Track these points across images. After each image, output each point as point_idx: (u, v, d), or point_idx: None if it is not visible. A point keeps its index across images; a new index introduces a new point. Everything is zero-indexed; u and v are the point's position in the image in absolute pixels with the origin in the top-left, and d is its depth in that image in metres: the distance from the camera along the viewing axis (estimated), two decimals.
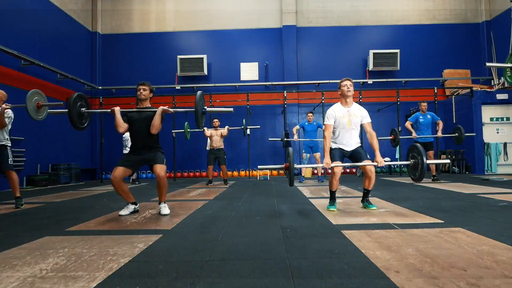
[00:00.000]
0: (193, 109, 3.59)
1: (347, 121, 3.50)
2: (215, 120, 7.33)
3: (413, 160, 3.69)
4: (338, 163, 3.45)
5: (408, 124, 6.72)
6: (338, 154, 3.53)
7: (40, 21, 8.44)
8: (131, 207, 3.52)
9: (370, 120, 3.54)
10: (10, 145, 4.45)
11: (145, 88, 3.57)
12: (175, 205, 4.15)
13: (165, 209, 3.49)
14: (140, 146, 3.51)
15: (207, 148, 7.49)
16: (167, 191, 3.62)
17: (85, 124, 3.67)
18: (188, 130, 7.73)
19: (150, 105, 3.67)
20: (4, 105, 4.05)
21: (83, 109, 3.59)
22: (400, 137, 7.17)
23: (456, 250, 1.95)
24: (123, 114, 3.57)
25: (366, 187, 3.53)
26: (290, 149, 3.46)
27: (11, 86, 7.32)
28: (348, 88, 3.51)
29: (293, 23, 10.69)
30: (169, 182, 8.54)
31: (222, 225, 2.85)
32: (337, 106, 3.58)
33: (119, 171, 3.35)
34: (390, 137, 7.11)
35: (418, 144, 3.71)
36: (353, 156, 3.55)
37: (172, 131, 9.03)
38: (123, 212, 3.45)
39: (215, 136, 7.21)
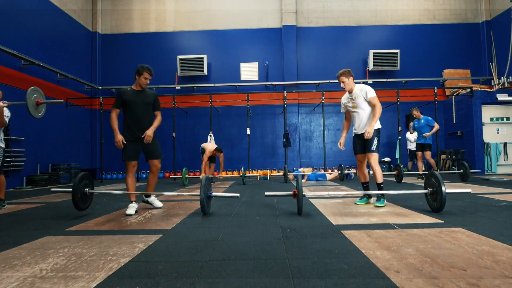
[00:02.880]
0: (199, 195, 3.55)
1: (352, 105, 3.80)
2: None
3: (431, 189, 3.21)
4: (359, 156, 3.86)
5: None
6: (358, 145, 3.84)
7: (40, 21, 8.44)
8: (135, 206, 3.58)
9: (373, 95, 3.68)
10: (3, 146, 4.12)
11: (150, 78, 3.65)
12: (175, 205, 4.14)
13: (158, 202, 3.91)
14: (137, 127, 3.60)
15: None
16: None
17: (87, 204, 3.54)
18: (186, 176, 7.55)
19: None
20: (1, 103, 3.88)
21: (87, 189, 3.48)
22: (404, 172, 6.93)
23: (456, 250, 1.95)
24: (119, 98, 3.60)
25: (374, 180, 3.75)
26: (299, 175, 3.40)
27: (11, 86, 7.32)
28: (342, 85, 3.79)
29: (293, 23, 10.69)
30: (169, 182, 8.55)
31: (222, 225, 2.85)
32: (344, 95, 3.96)
33: (134, 164, 3.63)
34: (394, 173, 6.87)
35: (436, 172, 3.24)
36: (365, 144, 3.77)
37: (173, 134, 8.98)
38: (130, 211, 3.48)
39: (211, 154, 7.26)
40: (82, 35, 10.40)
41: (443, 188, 3.01)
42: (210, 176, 7.22)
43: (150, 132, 3.57)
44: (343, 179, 7.62)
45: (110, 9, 11.07)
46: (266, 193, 3.55)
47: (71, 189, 3.28)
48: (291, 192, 3.31)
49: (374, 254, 1.90)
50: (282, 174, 8.52)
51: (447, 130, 10.33)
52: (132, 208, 3.51)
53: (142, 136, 3.57)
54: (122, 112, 3.66)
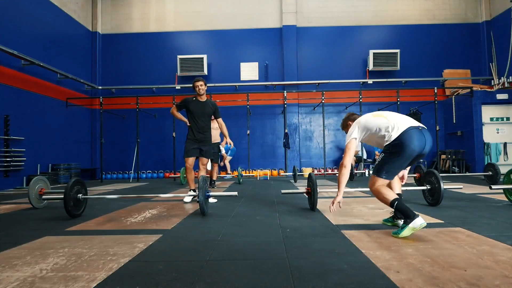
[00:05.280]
0: (196, 194, 3.59)
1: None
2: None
3: (430, 186, 3.57)
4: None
5: None
6: None
7: (40, 21, 8.44)
8: (192, 193, 4.10)
9: (347, 140, 2.64)
10: None
11: (202, 83, 4.21)
12: (175, 205, 4.14)
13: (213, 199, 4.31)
14: (198, 133, 4.28)
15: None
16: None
17: (82, 210, 3.46)
18: (185, 176, 7.44)
19: (206, 98, 4.39)
20: None
21: (80, 195, 3.40)
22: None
23: (456, 250, 1.95)
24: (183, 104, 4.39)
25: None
26: (313, 174, 3.40)
27: (11, 86, 7.32)
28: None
29: (293, 23, 10.68)
30: (169, 182, 8.52)
31: (222, 225, 2.85)
32: None
33: (191, 160, 4.27)
34: (415, 175, 5.60)
35: (435, 171, 3.54)
36: None
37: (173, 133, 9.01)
38: (187, 199, 4.23)
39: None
40: (82, 35, 10.39)
41: (441, 185, 3.32)
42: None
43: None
44: None
45: (110, 9, 11.07)
46: (283, 191, 3.81)
47: (62, 196, 3.20)
48: (305, 190, 3.48)
49: (374, 254, 1.90)
50: (282, 174, 8.53)
51: (447, 130, 10.33)
52: (188, 197, 4.21)
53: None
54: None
